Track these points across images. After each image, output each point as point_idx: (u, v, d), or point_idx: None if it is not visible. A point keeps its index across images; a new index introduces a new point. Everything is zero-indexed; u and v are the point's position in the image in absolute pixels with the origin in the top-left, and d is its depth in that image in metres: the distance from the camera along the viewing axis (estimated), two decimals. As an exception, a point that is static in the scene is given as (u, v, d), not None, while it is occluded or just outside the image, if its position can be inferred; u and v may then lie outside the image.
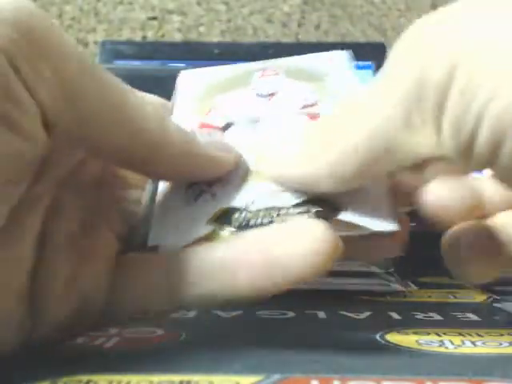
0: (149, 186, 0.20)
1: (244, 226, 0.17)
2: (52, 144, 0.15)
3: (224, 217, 0.18)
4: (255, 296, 0.16)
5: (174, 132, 0.17)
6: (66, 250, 0.17)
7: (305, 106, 0.20)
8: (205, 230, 0.17)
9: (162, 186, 0.19)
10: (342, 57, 0.22)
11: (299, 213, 0.17)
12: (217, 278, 0.16)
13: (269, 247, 0.16)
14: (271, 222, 0.17)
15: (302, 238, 0.16)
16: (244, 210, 0.17)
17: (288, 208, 0.17)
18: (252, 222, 0.17)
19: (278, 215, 0.17)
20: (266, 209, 0.17)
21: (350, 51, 0.23)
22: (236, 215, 0.17)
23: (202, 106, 0.21)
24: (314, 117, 0.20)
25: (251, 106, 0.21)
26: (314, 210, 0.17)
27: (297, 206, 0.17)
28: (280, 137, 0.19)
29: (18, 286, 0.16)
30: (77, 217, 0.18)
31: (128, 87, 0.16)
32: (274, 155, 0.18)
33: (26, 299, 0.16)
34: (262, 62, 0.23)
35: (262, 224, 0.17)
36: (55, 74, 0.14)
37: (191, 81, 0.23)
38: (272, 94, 0.21)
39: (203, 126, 0.20)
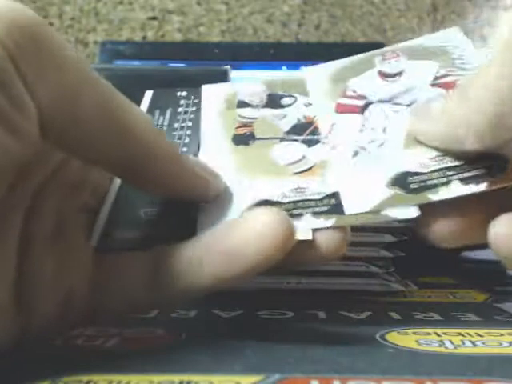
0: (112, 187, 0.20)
1: None
2: (44, 147, 0.15)
3: None
4: (220, 286, 0.17)
5: (166, 146, 0.17)
6: (47, 249, 0.17)
7: (436, 78, 0.21)
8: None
9: None
10: (457, 33, 0.23)
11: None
12: (187, 274, 0.17)
13: (227, 237, 0.17)
14: None
15: (255, 225, 0.16)
16: None
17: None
18: None
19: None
20: None
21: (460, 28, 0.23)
22: None
23: (335, 88, 0.22)
24: (449, 85, 0.20)
25: (384, 85, 0.22)
26: None
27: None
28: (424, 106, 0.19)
29: (6, 284, 0.16)
30: (51, 219, 0.18)
31: (124, 97, 0.16)
32: (422, 121, 0.19)
33: (15, 296, 0.16)
34: (378, 50, 0.24)
35: None
36: (55, 75, 0.14)
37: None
38: (399, 74, 0.22)
39: (340, 107, 0.21)
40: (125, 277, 0.18)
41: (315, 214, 0.18)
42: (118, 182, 0.20)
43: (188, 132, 0.22)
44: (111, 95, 0.16)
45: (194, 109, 0.23)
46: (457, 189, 0.17)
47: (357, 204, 0.18)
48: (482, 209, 0.17)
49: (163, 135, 0.17)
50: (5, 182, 0.15)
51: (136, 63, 0.67)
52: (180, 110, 0.23)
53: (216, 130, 0.22)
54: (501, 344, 0.18)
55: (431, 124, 0.18)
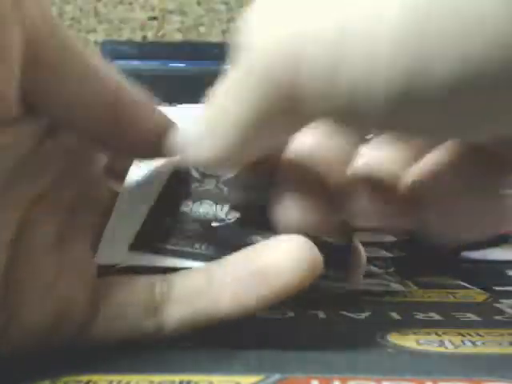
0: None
1: None
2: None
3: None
4: (239, 313, 0.17)
5: (142, 96, 0.17)
6: (46, 257, 0.17)
7: None
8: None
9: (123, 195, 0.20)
10: None
11: None
12: (202, 296, 0.17)
13: (253, 260, 0.17)
14: None
15: (285, 249, 0.16)
16: None
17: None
18: None
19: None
20: None
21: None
22: None
23: None
24: None
25: None
26: None
27: None
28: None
29: None
30: (54, 227, 0.17)
31: None
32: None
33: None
34: None
35: None
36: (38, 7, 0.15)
37: None
38: None
39: None
40: (126, 299, 0.17)
41: None
42: (122, 198, 0.20)
43: None
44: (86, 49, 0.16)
45: None
46: None
47: None
48: None
49: (139, 92, 0.17)
50: None
51: (136, 63, 0.67)
52: None
53: None
54: (501, 344, 0.18)
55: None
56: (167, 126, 0.18)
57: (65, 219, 0.18)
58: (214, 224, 0.19)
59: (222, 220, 0.19)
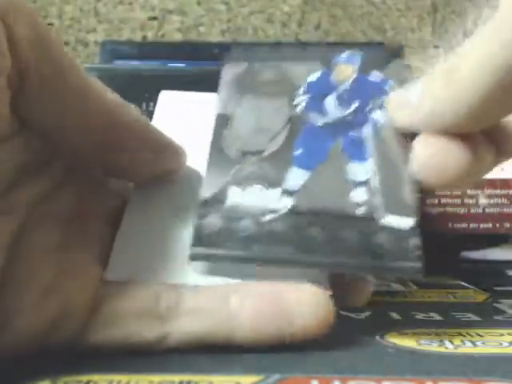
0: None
1: None
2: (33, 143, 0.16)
3: None
4: (252, 342, 0.17)
5: (137, 115, 0.18)
6: (47, 260, 0.17)
7: None
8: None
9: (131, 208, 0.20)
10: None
11: None
12: (214, 316, 0.17)
13: (278, 294, 0.17)
14: None
15: (312, 293, 0.17)
16: None
17: None
18: None
19: None
20: None
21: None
22: None
23: None
24: None
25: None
26: None
27: None
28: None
29: None
30: (56, 231, 0.17)
31: None
32: (398, 104, 0.19)
33: None
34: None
35: None
36: (32, 23, 0.15)
37: None
38: None
39: None
40: (130, 308, 0.17)
41: None
42: (130, 208, 0.20)
43: None
44: (74, 58, 0.16)
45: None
46: None
47: None
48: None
49: (127, 105, 0.18)
50: None
51: (136, 63, 0.67)
52: None
53: None
54: (501, 344, 0.18)
55: (412, 110, 0.18)
56: (164, 144, 0.18)
57: (68, 222, 0.18)
58: (265, 218, 0.18)
59: (274, 211, 0.18)
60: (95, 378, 0.15)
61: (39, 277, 0.16)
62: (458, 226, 0.32)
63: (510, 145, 0.18)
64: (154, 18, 0.83)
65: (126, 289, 0.17)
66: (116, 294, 0.17)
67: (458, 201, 0.31)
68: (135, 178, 0.20)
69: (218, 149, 0.20)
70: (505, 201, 0.31)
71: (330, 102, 0.21)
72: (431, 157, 0.17)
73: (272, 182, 0.19)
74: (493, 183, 0.31)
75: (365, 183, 0.19)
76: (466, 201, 0.32)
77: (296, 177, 0.19)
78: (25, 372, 0.15)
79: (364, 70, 0.21)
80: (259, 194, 0.18)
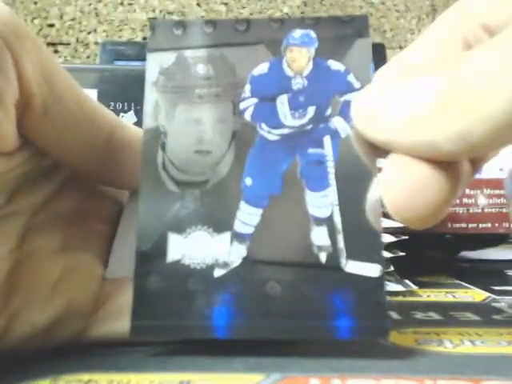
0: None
1: None
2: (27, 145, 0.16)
3: None
4: None
5: (134, 131, 0.18)
6: (52, 261, 0.17)
7: None
8: None
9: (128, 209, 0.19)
10: None
11: None
12: None
13: None
14: None
15: None
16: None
17: None
18: None
19: None
20: None
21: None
22: None
23: None
24: None
25: None
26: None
27: None
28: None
29: None
30: (59, 233, 0.18)
31: None
32: (377, 117, 0.15)
33: (0, 301, 0.16)
34: None
35: None
36: (38, 55, 0.16)
37: None
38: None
39: None
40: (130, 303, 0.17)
41: None
42: (127, 209, 0.20)
43: None
44: (75, 82, 0.17)
45: None
46: None
47: None
48: None
49: (130, 127, 0.18)
50: (2, 192, 0.16)
51: (136, 64, 0.67)
52: None
53: None
54: (500, 343, 0.19)
55: (390, 126, 0.14)
56: None
57: (69, 224, 0.18)
58: (217, 274, 0.15)
59: (225, 265, 0.16)
60: (95, 377, 0.15)
61: (45, 278, 0.17)
62: (458, 226, 0.32)
63: (483, 162, 0.17)
64: (155, 19, 0.83)
65: (125, 286, 0.18)
66: (117, 290, 0.18)
67: (458, 201, 0.31)
68: (134, 188, 0.20)
69: (151, 177, 0.16)
70: (504, 201, 0.32)
71: (283, 105, 0.17)
72: (406, 182, 0.14)
73: (219, 225, 0.16)
74: (492, 183, 0.32)
75: (326, 220, 0.16)
76: (466, 201, 0.32)
77: (247, 216, 0.16)
78: (25, 371, 0.15)
79: (322, 54, 0.17)
80: (205, 242, 0.16)
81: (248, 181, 0.16)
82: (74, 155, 0.18)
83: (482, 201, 0.31)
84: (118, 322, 0.17)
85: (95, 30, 0.83)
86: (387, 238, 0.27)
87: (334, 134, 0.17)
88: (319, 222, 0.16)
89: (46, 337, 0.17)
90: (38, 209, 0.17)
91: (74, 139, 0.17)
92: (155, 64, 0.18)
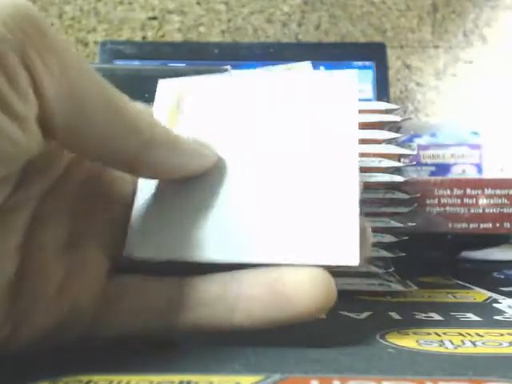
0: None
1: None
2: (46, 146, 0.15)
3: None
4: (250, 327, 0.17)
5: (161, 130, 0.17)
6: (57, 258, 0.17)
7: None
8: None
9: (144, 186, 0.19)
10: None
11: None
12: (216, 307, 0.17)
13: (273, 282, 0.17)
14: None
15: (310, 276, 0.17)
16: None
17: None
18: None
19: None
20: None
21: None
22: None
23: None
24: None
25: None
26: None
27: None
28: None
29: None
30: (64, 226, 0.17)
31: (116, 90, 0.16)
32: None
33: (8, 302, 0.16)
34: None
35: None
36: (59, 68, 0.14)
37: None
38: None
39: None
40: (141, 301, 0.17)
41: None
42: (140, 192, 0.19)
43: None
44: (111, 90, 0.16)
45: None
46: None
47: None
48: None
49: (157, 121, 0.17)
50: (12, 179, 0.15)
51: (136, 63, 0.67)
52: None
53: None
54: (501, 344, 0.18)
55: None
56: (191, 153, 0.18)
57: (75, 215, 0.18)
58: None
59: None
60: (95, 378, 0.15)
61: (51, 277, 0.17)
62: (458, 226, 0.32)
63: None
64: (154, 18, 0.83)
65: (133, 283, 0.18)
66: (124, 288, 0.18)
67: (458, 201, 0.31)
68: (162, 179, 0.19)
69: None
70: (505, 201, 0.31)
71: None
72: None
73: None
74: (493, 183, 0.32)
75: None
76: (466, 201, 0.32)
77: None
78: (25, 372, 0.15)
79: None
80: None
81: None
82: (103, 158, 0.17)
83: (483, 201, 0.31)
84: (124, 321, 0.17)
85: (95, 29, 0.83)
86: (388, 238, 0.27)
87: None
88: None
89: (53, 338, 0.16)
90: (42, 200, 0.17)
91: (104, 148, 0.16)
92: None
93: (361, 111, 0.25)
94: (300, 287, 0.17)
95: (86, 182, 0.18)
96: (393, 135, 0.27)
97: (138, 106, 0.17)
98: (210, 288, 0.18)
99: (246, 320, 0.17)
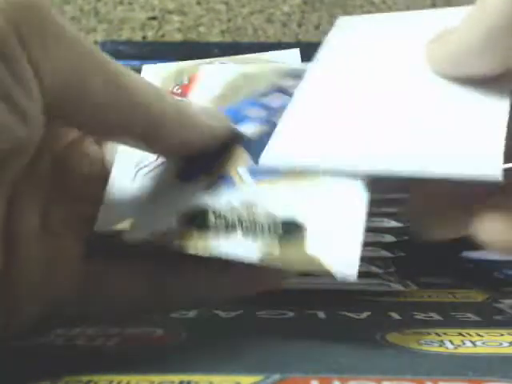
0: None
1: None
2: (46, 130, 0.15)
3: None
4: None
5: (170, 103, 0.16)
6: (37, 244, 0.16)
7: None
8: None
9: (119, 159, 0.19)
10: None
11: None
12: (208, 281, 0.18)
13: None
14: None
15: None
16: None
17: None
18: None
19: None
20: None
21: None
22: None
23: None
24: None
25: None
26: None
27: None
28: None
29: None
30: (39, 211, 0.17)
31: (126, 68, 0.16)
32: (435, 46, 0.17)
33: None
34: None
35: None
36: (60, 52, 0.14)
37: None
38: None
39: None
40: (121, 285, 0.18)
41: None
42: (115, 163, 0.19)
43: None
44: (116, 68, 0.15)
45: None
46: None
47: None
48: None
49: (167, 95, 0.17)
50: (10, 171, 0.14)
51: (136, 63, 0.67)
52: None
53: None
54: (501, 344, 0.18)
55: (442, 46, 0.17)
56: (214, 130, 0.18)
57: (47, 197, 0.17)
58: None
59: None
60: (95, 378, 0.15)
61: (33, 264, 0.16)
62: (458, 225, 0.31)
63: None
64: (154, 18, 0.83)
65: (110, 271, 0.18)
66: (102, 277, 0.18)
67: (458, 201, 0.31)
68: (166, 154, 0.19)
69: None
70: (505, 201, 0.31)
71: None
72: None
73: None
74: (493, 183, 0.31)
75: None
76: (466, 201, 0.31)
77: None
78: (25, 372, 0.15)
79: None
80: None
81: None
82: (112, 134, 0.16)
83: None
84: (113, 308, 0.18)
85: (95, 29, 0.83)
86: (388, 238, 0.27)
87: None
88: None
89: (46, 325, 0.17)
90: (17, 184, 0.16)
91: (111, 124, 0.15)
92: None
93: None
94: None
95: (56, 162, 0.18)
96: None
97: (145, 81, 0.16)
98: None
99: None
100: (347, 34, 0.20)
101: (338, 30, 0.21)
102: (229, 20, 0.83)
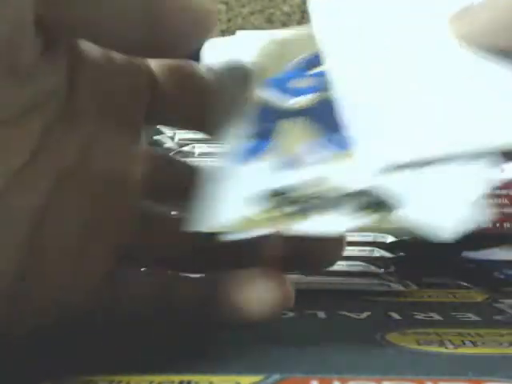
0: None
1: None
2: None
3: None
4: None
5: None
6: (63, 258, 0.16)
7: None
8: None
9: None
10: None
11: None
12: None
13: (233, 292, 0.17)
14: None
15: (257, 289, 0.17)
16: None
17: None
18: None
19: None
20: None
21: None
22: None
23: None
24: None
25: None
26: None
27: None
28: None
29: (14, 247, 0.14)
30: (79, 214, 0.16)
31: None
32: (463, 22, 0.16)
33: (16, 285, 0.14)
34: None
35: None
36: None
37: None
38: None
39: None
40: (138, 296, 0.18)
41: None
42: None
43: None
44: None
45: None
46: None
47: None
48: None
49: None
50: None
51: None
52: None
53: None
54: (501, 344, 0.18)
55: (472, 21, 0.16)
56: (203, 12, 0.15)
57: (94, 198, 0.16)
58: None
59: None
60: (95, 378, 0.15)
61: (57, 277, 0.16)
62: (458, 225, 0.31)
63: None
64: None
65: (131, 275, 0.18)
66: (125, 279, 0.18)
67: (459, 201, 0.31)
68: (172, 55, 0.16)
69: None
70: (505, 201, 0.31)
71: None
72: None
73: None
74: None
75: None
76: (466, 201, 0.31)
77: None
78: (25, 372, 0.15)
79: None
80: None
81: None
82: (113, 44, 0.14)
83: (483, 201, 0.31)
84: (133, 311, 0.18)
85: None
86: (388, 238, 0.27)
87: None
88: None
89: (78, 313, 0.17)
90: (59, 179, 0.15)
91: (108, 29, 0.13)
92: None
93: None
94: (250, 300, 0.17)
95: (106, 162, 0.16)
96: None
97: None
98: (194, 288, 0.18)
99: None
100: (338, 17, 0.19)
101: (324, 14, 0.19)
102: (229, 20, 0.83)
